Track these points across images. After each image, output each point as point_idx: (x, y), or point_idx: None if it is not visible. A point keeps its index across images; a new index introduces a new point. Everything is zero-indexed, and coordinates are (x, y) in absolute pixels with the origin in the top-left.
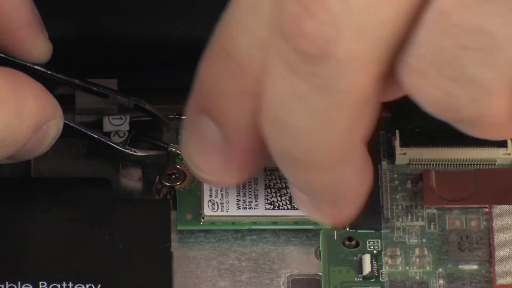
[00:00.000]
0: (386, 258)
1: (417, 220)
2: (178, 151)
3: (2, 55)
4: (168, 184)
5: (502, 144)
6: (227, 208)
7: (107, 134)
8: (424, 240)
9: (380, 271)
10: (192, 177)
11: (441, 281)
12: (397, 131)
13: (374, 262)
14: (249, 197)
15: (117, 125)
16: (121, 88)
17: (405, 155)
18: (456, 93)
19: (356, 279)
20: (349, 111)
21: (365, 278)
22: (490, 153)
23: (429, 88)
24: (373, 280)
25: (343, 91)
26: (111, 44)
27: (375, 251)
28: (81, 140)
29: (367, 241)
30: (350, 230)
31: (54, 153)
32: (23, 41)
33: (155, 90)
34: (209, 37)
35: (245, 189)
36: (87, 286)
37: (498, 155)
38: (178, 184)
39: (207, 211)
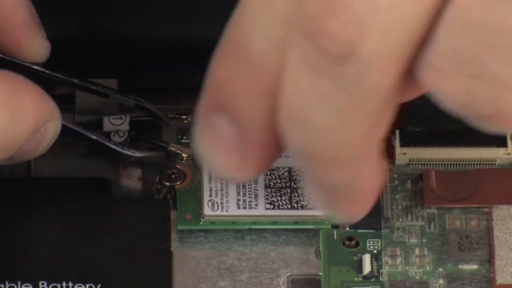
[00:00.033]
0: (386, 258)
1: (417, 220)
2: (178, 151)
3: (0, 55)
4: (168, 184)
5: (502, 144)
6: (227, 208)
7: (107, 133)
8: (424, 240)
9: (380, 271)
10: (192, 177)
11: (441, 281)
12: (397, 131)
13: (374, 262)
14: (249, 197)
15: (117, 125)
16: (121, 88)
17: (405, 155)
18: (477, 90)
19: (356, 279)
20: (372, 110)
21: (365, 278)
22: (490, 153)
23: (450, 85)
24: (373, 280)
25: (368, 90)
26: (111, 44)
27: (375, 251)
28: (81, 140)
29: (367, 241)
30: (350, 230)
31: (54, 153)
32: (21, 41)
33: (155, 90)
34: (209, 37)
35: (245, 189)
36: (87, 286)
37: (498, 155)
38: (178, 184)
39: (207, 211)
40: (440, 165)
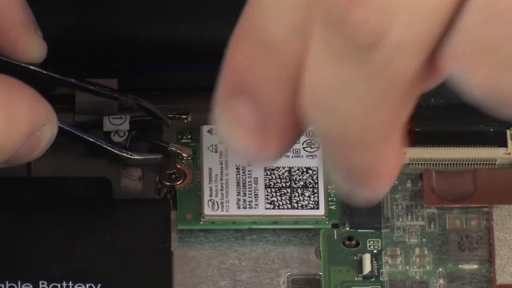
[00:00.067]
0: (386, 258)
1: (417, 219)
2: (178, 151)
3: None
4: (168, 183)
5: (502, 144)
6: (227, 208)
7: (107, 133)
8: (424, 240)
9: (380, 270)
10: (192, 177)
11: (441, 281)
12: None
13: (374, 262)
14: (249, 197)
15: (117, 125)
16: (121, 88)
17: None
18: (504, 78)
19: (356, 279)
20: (397, 96)
21: (365, 277)
22: (490, 153)
23: (476, 73)
24: (373, 279)
25: (394, 78)
26: (111, 44)
27: (375, 251)
28: (80, 141)
29: (367, 241)
30: (350, 230)
31: (54, 153)
32: (16, 41)
33: (155, 90)
34: (210, 37)
35: (245, 188)
36: (87, 286)
37: (498, 155)
38: (178, 184)
39: (207, 210)
40: (440, 165)
